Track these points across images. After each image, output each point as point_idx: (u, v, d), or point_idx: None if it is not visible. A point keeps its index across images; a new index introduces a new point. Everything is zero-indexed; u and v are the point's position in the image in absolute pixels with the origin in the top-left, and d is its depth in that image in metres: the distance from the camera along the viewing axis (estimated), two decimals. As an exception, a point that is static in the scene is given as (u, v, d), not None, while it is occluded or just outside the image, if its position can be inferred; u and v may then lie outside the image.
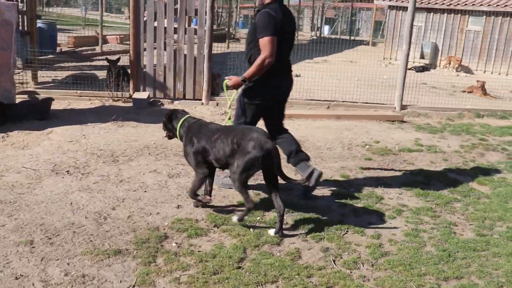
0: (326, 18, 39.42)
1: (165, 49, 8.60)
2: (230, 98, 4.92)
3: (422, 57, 17.99)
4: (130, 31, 8.52)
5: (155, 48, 8.58)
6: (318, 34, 35.66)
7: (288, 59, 4.75)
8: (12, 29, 7.20)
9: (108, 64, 9.12)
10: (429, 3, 17.94)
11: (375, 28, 34.23)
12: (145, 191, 4.88)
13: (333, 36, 35.14)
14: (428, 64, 17.61)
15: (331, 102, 8.96)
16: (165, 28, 8.53)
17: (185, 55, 8.60)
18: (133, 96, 8.43)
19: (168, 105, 8.60)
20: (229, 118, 4.97)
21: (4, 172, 5.16)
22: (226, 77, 4.73)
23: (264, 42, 4.33)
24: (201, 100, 8.71)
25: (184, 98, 8.74)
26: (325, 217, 4.53)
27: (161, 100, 8.65)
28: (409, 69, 16.54)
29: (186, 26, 8.64)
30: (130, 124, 7.13)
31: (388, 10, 19.55)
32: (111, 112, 7.68)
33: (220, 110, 8.44)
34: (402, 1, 18.42)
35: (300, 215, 4.52)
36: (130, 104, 8.43)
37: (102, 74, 10.98)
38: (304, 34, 34.53)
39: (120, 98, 8.56)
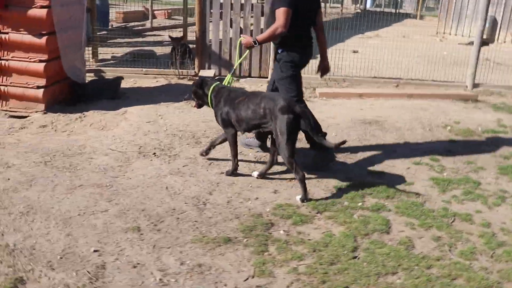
0: (368, -10, 38.45)
1: (231, 26, 8.41)
2: (242, 56, 5.29)
3: (479, 31, 17.32)
4: (195, 7, 8.36)
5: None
6: (361, 7, 34.89)
7: (309, 29, 4.91)
8: (83, 8, 7.15)
9: (171, 41, 9.00)
10: (486, -26, 17.19)
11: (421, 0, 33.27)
12: (236, 175, 4.77)
13: (377, 9, 34.36)
14: (486, 39, 16.95)
15: (400, 80, 8.68)
16: (231, 4, 8.32)
17: (251, 32, 8.40)
18: (199, 74, 8.31)
19: (234, 83, 8.44)
20: (232, 75, 5.13)
21: (92, 154, 5.13)
22: (242, 35, 5.01)
23: (279, 13, 4.50)
24: (267, 77, 8.53)
25: (249, 76, 8.59)
26: (427, 203, 4.35)
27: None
28: (467, 44, 16.01)
29: (253, 2, 8.39)
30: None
31: (442, -19, 18.84)
32: (179, 91, 7.61)
33: (287, 88, 8.24)
34: (458, -28, 17.72)
35: (401, 201, 4.35)
36: (196, 82, 8.32)
37: (158, 50, 10.94)
38: (347, 7, 33.72)
39: (185, 76, 8.47)
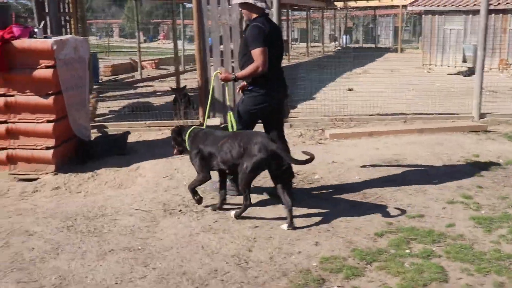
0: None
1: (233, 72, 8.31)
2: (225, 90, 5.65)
3: (464, 60, 17.64)
4: (196, 56, 8.28)
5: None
6: (339, 45, 35.48)
7: (280, 66, 5.09)
8: (86, 65, 7.03)
9: (173, 92, 8.89)
10: (467, 5, 17.60)
11: (395, 34, 33.96)
12: (271, 227, 4.58)
13: (356, 45, 34.97)
14: (471, 67, 17.22)
15: (407, 116, 8.61)
16: (231, 51, 8.27)
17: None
18: (206, 124, 8.15)
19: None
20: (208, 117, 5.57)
21: (115, 215, 4.90)
22: (219, 68, 5.30)
23: (256, 53, 4.68)
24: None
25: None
26: (475, 245, 4.18)
27: (232, 125, 8.36)
28: (455, 74, 16.22)
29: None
30: None
31: (423, 15, 19.21)
32: None
33: (295, 132, 8.15)
34: (438, 5, 18.11)
35: (448, 245, 4.17)
36: (202, 132, 8.17)
37: (154, 101, 10.84)
38: (327, 45, 34.24)
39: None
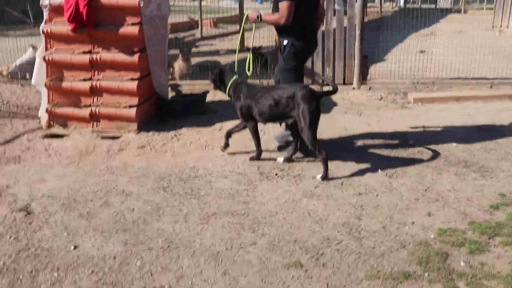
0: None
1: (312, 32, 7.98)
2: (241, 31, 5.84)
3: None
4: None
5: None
6: (396, 5, 34.25)
7: (313, 20, 5.14)
8: (166, 22, 6.85)
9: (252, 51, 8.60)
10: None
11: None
12: (376, 195, 4.34)
13: (415, 6, 33.61)
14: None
15: (494, 81, 8.12)
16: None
17: (334, 38, 7.97)
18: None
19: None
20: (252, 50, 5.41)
21: (209, 177, 4.76)
22: (251, 10, 5.21)
23: (283, 6, 4.77)
24: (352, 84, 8.10)
25: (333, 82, 8.12)
26: None
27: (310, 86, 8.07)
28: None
29: (336, 7, 7.97)
30: None
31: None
32: None
33: (375, 95, 7.81)
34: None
35: None
36: (277, 93, 7.94)
37: (221, 60, 10.61)
38: (377, 6, 33.03)
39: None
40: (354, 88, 8.06)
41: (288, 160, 4.99)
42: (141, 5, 5.73)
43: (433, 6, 32.49)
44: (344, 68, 8.10)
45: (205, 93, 7.07)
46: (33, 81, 6.24)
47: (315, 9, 5.12)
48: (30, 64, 8.56)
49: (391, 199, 4.26)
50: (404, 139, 5.70)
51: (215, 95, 7.69)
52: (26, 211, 4.09)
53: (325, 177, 4.57)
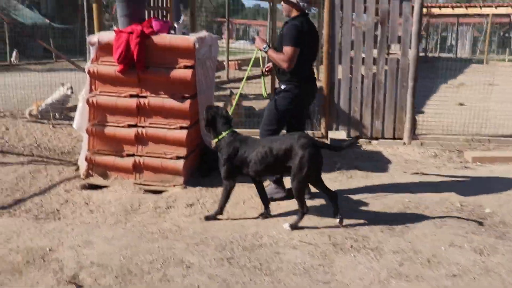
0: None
1: (362, 82, 7.56)
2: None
3: None
4: (323, 61, 7.56)
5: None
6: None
7: (312, 67, 5.21)
8: (215, 65, 6.43)
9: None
10: None
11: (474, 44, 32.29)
12: (474, 278, 3.78)
13: (432, 54, 33.53)
14: None
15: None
16: (363, 58, 7.51)
17: (385, 88, 7.54)
18: (329, 136, 7.46)
19: (365, 146, 7.57)
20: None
21: (275, 246, 4.22)
22: (257, 37, 5.15)
23: (288, 51, 4.75)
24: (401, 139, 7.62)
25: (382, 137, 7.67)
26: None
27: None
28: None
29: (387, 56, 7.56)
30: (356, 174, 6.11)
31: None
32: None
33: (428, 152, 7.32)
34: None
35: None
36: (323, 145, 7.47)
37: (255, 105, 10.22)
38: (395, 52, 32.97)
39: (311, 138, 7.59)
40: (404, 143, 7.58)
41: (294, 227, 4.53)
42: (196, 46, 5.31)
43: (451, 55, 32.38)
44: (394, 121, 7.62)
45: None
46: (75, 124, 5.79)
47: (316, 55, 5.20)
48: (60, 103, 8.15)
49: (492, 284, 3.69)
50: (480, 207, 5.16)
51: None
52: (75, 283, 3.56)
53: (295, 227, 4.44)
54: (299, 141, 4.32)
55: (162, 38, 5.41)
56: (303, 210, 4.44)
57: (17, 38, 17.07)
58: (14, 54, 17.72)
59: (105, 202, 5.15)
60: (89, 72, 5.56)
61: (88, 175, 5.80)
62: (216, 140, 4.67)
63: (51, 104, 8.47)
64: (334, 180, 5.86)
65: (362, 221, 4.75)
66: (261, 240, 4.36)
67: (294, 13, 4.95)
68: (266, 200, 4.87)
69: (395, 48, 8.02)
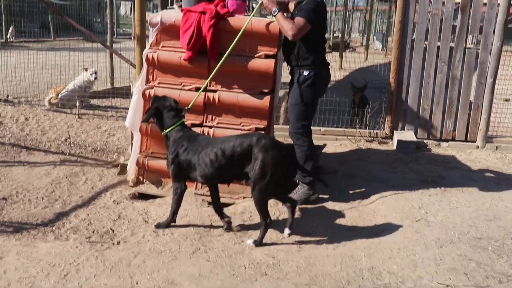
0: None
1: (434, 77, 6.66)
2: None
3: None
4: (393, 52, 6.62)
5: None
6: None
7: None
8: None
9: (356, 91, 7.25)
10: None
11: None
12: None
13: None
14: None
15: None
16: (437, 50, 6.60)
17: (460, 84, 6.66)
18: (396, 137, 6.57)
19: (435, 148, 6.69)
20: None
21: (401, 286, 3.31)
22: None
23: (300, 22, 4.22)
24: (474, 142, 6.75)
25: (453, 139, 6.79)
26: None
27: (424, 141, 6.72)
28: None
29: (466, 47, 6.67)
30: (446, 184, 5.24)
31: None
32: (381, 159, 5.92)
33: (507, 157, 6.48)
34: None
35: None
36: (388, 147, 6.59)
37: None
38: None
39: (374, 138, 6.70)
40: (478, 147, 6.71)
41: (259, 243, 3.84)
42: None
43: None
44: (468, 121, 6.75)
45: (321, 147, 5.66)
46: (127, 121, 4.80)
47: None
48: (83, 90, 7.14)
49: None
50: None
51: (327, 148, 6.34)
52: None
53: (259, 243, 3.80)
54: (259, 143, 3.66)
55: (241, 21, 4.42)
56: (266, 223, 3.78)
57: (13, 12, 15.72)
58: (10, 30, 16.40)
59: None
60: (147, 59, 4.57)
61: (138, 182, 4.83)
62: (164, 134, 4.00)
63: (72, 91, 7.42)
64: (430, 194, 4.96)
65: (482, 245, 3.86)
66: (383, 279, 3.49)
67: None
68: (220, 208, 4.13)
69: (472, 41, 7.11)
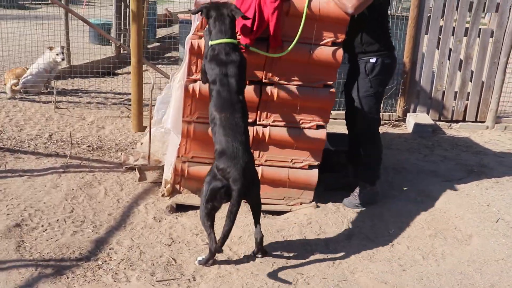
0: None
1: (449, 57, 6.31)
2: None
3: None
4: (408, 31, 6.16)
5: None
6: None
7: None
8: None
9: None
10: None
11: None
12: None
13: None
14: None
15: None
16: (453, 28, 6.24)
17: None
18: (409, 120, 6.21)
19: (447, 130, 6.42)
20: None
21: None
22: None
23: None
24: (483, 122, 6.54)
25: (463, 119, 6.55)
26: None
27: (436, 123, 6.42)
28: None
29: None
30: (474, 173, 4.95)
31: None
32: (405, 145, 5.60)
33: (516, 138, 6.32)
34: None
35: None
36: (402, 130, 6.23)
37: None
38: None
39: (387, 121, 6.30)
40: (487, 127, 6.50)
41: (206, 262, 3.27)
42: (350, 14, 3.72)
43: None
44: (478, 102, 6.50)
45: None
46: (169, 123, 3.98)
47: None
48: (48, 73, 6.12)
49: None
50: None
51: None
52: None
53: (205, 262, 3.22)
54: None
55: (302, 2, 3.71)
56: (212, 237, 3.17)
57: None
58: None
59: (230, 237, 3.50)
60: (191, 47, 3.74)
61: (174, 191, 4.06)
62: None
63: (37, 75, 6.33)
64: (483, 187, 4.61)
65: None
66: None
67: None
68: None
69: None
